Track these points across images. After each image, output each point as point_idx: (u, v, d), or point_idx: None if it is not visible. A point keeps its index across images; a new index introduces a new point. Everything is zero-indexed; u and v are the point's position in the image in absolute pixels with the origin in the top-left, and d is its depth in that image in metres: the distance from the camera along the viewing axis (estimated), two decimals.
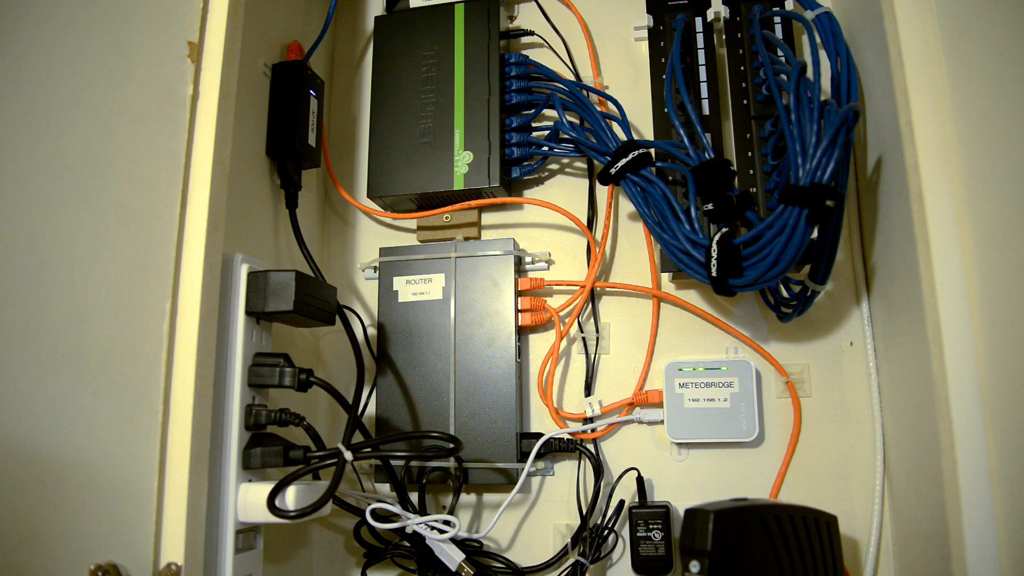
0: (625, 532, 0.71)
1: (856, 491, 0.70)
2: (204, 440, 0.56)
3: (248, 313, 0.61)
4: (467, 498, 0.77)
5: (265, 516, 0.58)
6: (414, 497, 0.73)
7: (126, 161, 0.57)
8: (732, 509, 0.54)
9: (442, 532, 0.67)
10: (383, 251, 0.80)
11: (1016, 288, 0.44)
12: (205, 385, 0.56)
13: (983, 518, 0.44)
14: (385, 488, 0.78)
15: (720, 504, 0.55)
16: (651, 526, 0.68)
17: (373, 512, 0.67)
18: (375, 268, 0.80)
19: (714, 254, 0.60)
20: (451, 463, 0.73)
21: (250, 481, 0.60)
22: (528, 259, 0.79)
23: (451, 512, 0.71)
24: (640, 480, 0.70)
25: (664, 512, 0.68)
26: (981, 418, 0.46)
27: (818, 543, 0.58)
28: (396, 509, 0.68)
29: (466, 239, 0.80)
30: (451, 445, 0.65)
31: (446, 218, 0.80)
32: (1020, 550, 0.42)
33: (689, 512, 0.55)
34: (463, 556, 0.67)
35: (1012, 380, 0.44)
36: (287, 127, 0.74)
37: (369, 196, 0.80)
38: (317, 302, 0.65)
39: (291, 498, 0.58)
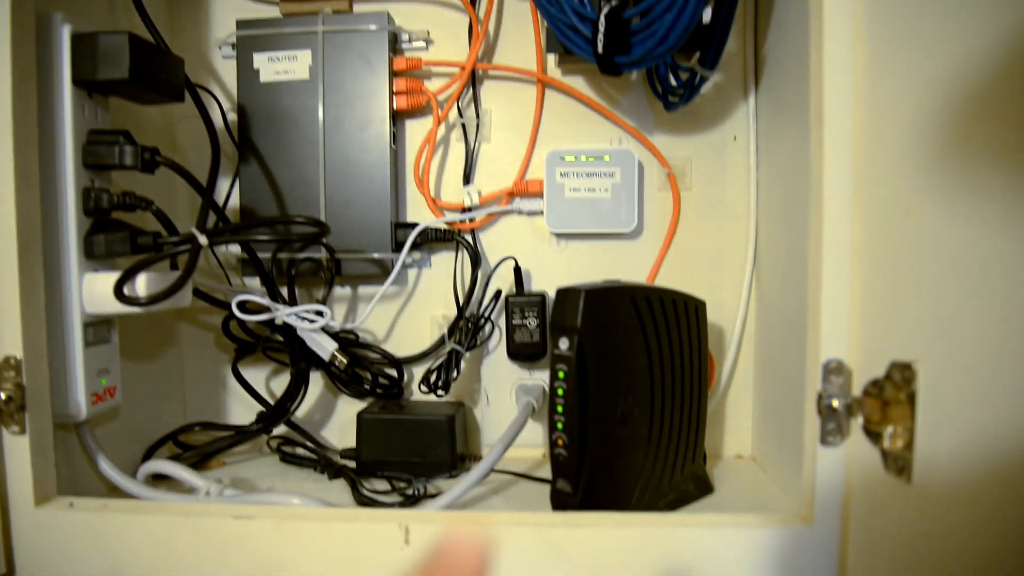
0: (502, 321, 0.71)
1: (727, 281, 0.72)
2: (34, 225, 0.51)
3: (76, 83, 0.54)
4: (342, 291, 0.75)
5: (114, 306, 0.54)
6: (287, 293, 0.70)
7: None
8: (602, 288, 0.54)
9: (312, 322, 0.65)
10: (240, 24, 0.71)
11: (902, 83, 0.43)
12: (29, 164, 0.50)
13: (839, 296, 0.46)
14: (255, 283, 0.74)
15: (592, 284, 0.55)
16: (527, 314, 0.68)
17: (240, 304, 0.64)
18: (233, 44, 0.72)
19: (601, 28, 0.56)
20: (322, 254, 0.69)
21: (96, 271, 0.55)
22: (404, 36, 0.72)
23: (323, 303, 0.68)
24: (518, 269, 0.70)
25: (540, 301, 0.68)
26: (851, 206, 0.46)
27: (685, 324, 0.59)
28: (265, 301, 0.65)
29: (335, 12, 0.71)
30: (316, 229, 0.61)
31: None
32: (869, 302, 0.44)
33: (560, 291, 0.54)
34: (335, 346, 0.66)
35: (882, 169, 0.44)
36: None
37: None
38: (159, 72, 0.57)
39: (142, 285, 0.54)
